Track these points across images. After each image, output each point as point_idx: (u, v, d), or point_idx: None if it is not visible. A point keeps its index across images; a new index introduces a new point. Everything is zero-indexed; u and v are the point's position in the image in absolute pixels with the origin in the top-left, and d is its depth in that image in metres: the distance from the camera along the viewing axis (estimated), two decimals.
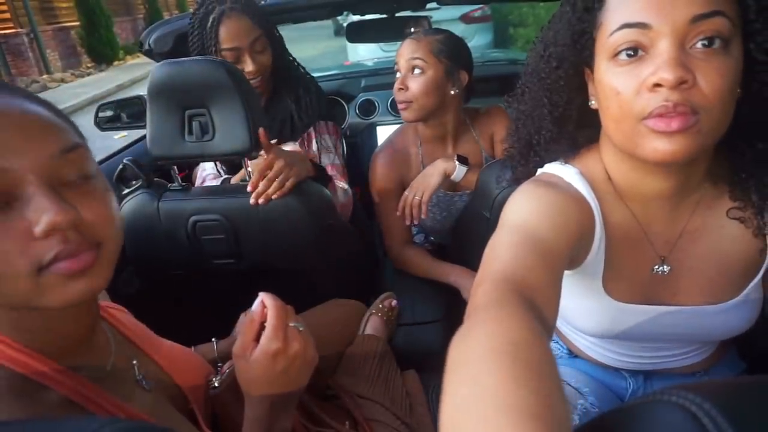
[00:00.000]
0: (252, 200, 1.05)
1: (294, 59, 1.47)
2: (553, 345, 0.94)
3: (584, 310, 0.74)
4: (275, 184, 1.04)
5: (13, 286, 0.45)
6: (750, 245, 0.68)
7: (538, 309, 0.48)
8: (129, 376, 0.61)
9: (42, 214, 0.44)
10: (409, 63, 1.29)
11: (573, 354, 0.90)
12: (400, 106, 1.33)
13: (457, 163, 1.30)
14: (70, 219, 0.45)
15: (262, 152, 1.05)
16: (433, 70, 1.29)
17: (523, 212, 0.63)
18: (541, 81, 0.70)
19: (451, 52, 1.31)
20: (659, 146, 0.55)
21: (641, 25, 0.54)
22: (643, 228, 0.69)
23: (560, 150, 0.73)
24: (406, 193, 1.33)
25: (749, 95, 0.58)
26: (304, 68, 1.50)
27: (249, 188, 1.05)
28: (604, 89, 0.60)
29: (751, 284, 0.70)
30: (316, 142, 1.42)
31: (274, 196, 1.04)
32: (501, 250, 0.58)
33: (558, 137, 0.73)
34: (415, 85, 1.29)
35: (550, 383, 0.36)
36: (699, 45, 0.53)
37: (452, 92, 1.33)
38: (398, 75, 1.33)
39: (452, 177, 1.30)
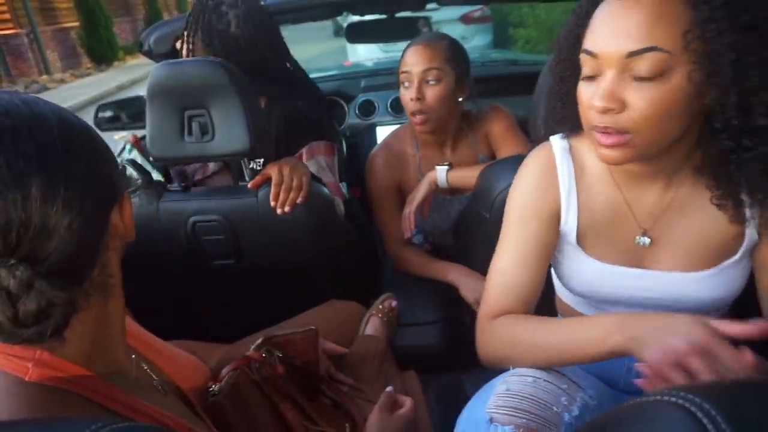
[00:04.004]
0: (279, 210, 1.05)
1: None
2: None
3: (568, 269, 0.84)
4: (293, 189, 1.05)
5: None
6: (728, 229, 0.73)
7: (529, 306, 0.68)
8: (149, 383, 0.61)
9: None
10: (425, 72, 1.23)
11: None
12: (416, 119, 1.26)
13: (437, 167, 1.29)
14: None
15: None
16: (448, 79, 1.26)
17: (513, 209, 0.79)
18: (557, 65, 0.78)
19: (459, 58, 1.29)
20: (603, 152, 0.67)
21: (593, 54, 0.64)
22: (627, 201, 0.77)
23: (564, 128, 0.81)
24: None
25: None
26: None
27: (271, 201, 1.05)
28: (579, 94, 0.69)
29: (727, 262, 0.74)
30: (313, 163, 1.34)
31: (299, 200, 1.05)
32: (501, 259, 0.70)
33: (563, 119, 0.80)
34: (433, 95, 1.24)
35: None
36: (634, 76, 0.61)
37: (460, 99, 1.31)
38: (406, 84, 1.27)
39: (438, 183, 1.30)
